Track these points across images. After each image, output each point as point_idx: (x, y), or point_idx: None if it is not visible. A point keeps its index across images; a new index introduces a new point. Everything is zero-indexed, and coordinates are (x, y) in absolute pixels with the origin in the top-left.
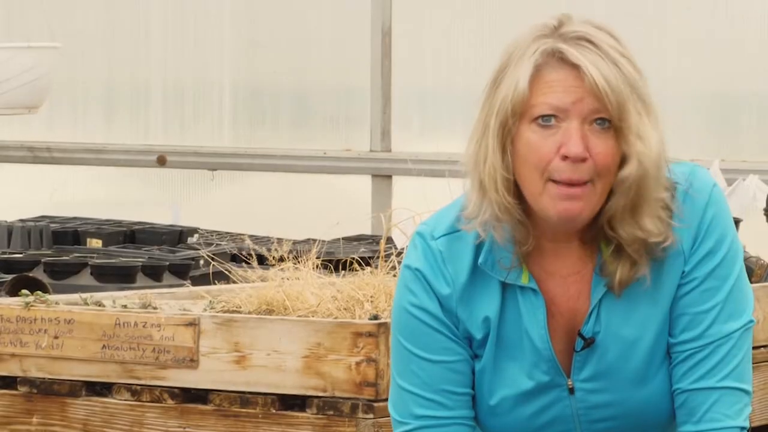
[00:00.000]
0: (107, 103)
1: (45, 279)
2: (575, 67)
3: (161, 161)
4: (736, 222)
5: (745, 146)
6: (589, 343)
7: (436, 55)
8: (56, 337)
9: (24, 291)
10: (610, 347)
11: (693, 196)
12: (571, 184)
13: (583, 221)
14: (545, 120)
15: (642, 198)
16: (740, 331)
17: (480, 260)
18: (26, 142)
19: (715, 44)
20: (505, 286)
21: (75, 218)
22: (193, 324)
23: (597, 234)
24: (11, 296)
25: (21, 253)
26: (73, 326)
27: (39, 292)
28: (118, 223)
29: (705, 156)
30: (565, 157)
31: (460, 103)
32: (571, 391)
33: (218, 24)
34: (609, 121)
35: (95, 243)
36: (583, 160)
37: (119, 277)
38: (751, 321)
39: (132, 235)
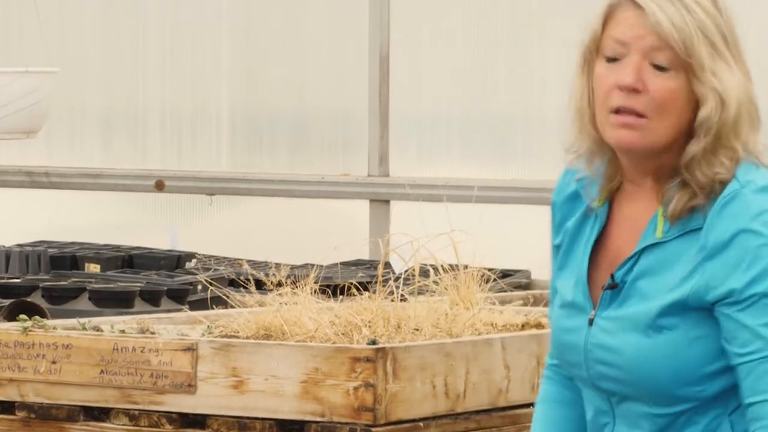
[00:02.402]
0: (105, 128)
1: (43, 304)
2: (641, 8)
3: (159, 186)
4: None
5: None
6: (612, 286)
7: (434, 81)
8: (54, 362)
9: (22, 316)
10: (631, 298)
11: (746, 197)
12: (624, 112)
13: (640, 154)
14: (613, 56)
15: (721, 141)
16: None
17: (577, 183)
18: (24, 167)
19: None
20: (589, 209)
21: (73, 243)
22: (191, 349)
23: (672, 180)
24: (9, 321)
25: (19, 278)
26: (71, 351)
27: (37, 317)
28: (116, 247)
29: None
30: (621, 88)
31: (457, 129)
32: (591, 323)
33: (216, 49)
34: (668, 68)
35: (93, 268)
36: (636, 90)
37: (117, 302)
38: None
39: (130, 259)
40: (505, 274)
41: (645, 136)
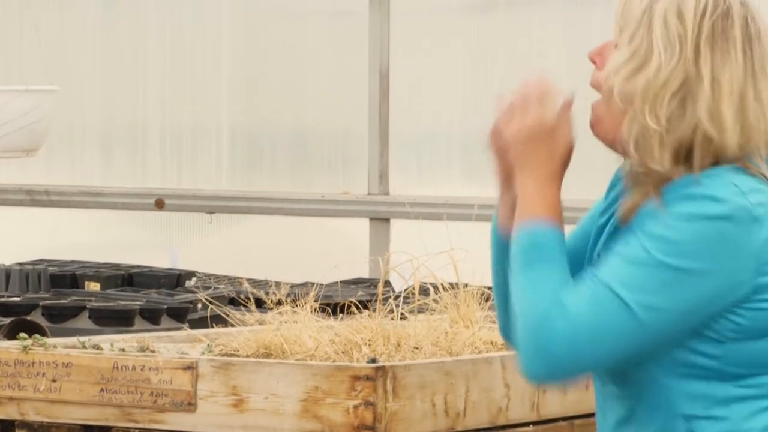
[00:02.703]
0: (105, 147)
1: (43, 322)
2: None
3: (159, 204)
4: None
5: None
6: None
7: (434, 99)
8: (54, 381)
9: (22, 334)
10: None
11: (685, 188)
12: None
13: (600, 137)
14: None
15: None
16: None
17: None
18: (24, 185)
19: None
20: None
21: (73, 261)
22: (191, 367)
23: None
24: (9, 339)
25: (19, 297)
26: (71, 370)
27: (37, 335)
28: (116, 266)
29: None
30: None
31: (458, 147)
32: None
33: (216, 67)
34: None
35: (93, 286)
36: (594, 63)
37: (117, 320)
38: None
39: (130, 278)
40: None
41: (599, 117)
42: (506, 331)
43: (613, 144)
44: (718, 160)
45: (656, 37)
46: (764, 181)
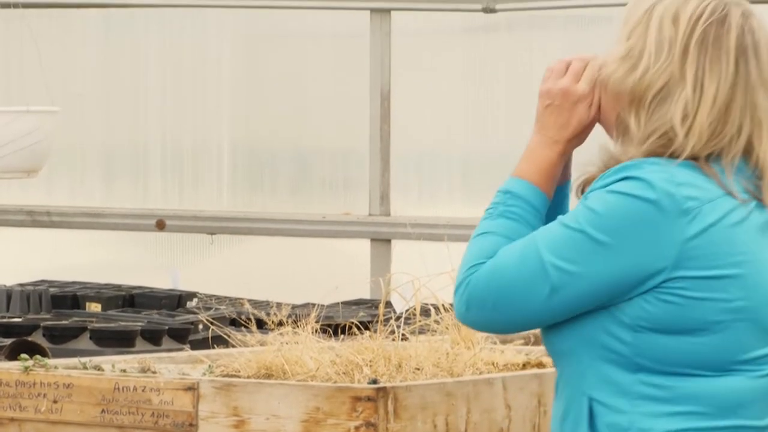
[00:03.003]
0: (106, 168)
1: (44, 343)
2: None
3: (160, 225)
4: None
5: None
6: None
7: (434, 120)
8: (55, 402)
9: (23, 355)
10: None
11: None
12: None
13: (598, 120)
14: None
15: None
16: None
17: None
18: (25, 206)
19: None
20: None
21: (74, 282)
22: (192, 388)
23: None
24: (10, 360)
25: (20, 317)
26: (72, 390)
27: (38, 356)
28: (117, 287)
29: None
30: None
31: (458, 168)
32: None
33: (217, 88)
34: None
35: (94, 307)
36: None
37: (118, 341)
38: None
39: (131, 299)
40: None
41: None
42: None
43: (609, 129)
44: (673, 155)
45: (650, 38)
46: (715, 182)
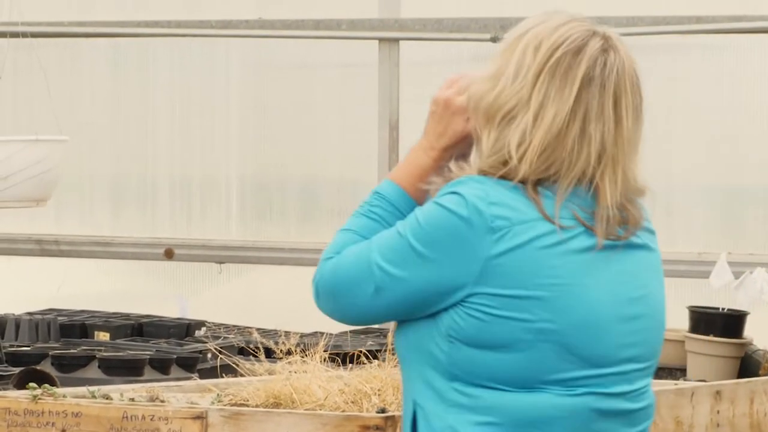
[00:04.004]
0: (115, 196)
1: (53, 372)
2: None
3: (169, 254)
4: (743, 315)
5: (752, 239)
6: None
7: None
8: (64, 431)
9: (32, 384)
10: None
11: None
12: None
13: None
14: None
15: None
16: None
17: None
18: (34, 235)
19: (721, 139)
20: None
21: (83, 311)
22: (200, 417)
23: None
24: (19, 389)
25: (29, 346)
26: (81, 419)
27: (47, 385)
28: (126, 316)
29: (712, 249)
30: None
31: None
32: None
33: (225, 117)
34: None
35: (103, 336)
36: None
37: (127, 370)
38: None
39: (140, 328)
40: None
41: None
42: None
43: (477, 143)
44: (506, 177)
45: (512, 62)
46: (534, 205)
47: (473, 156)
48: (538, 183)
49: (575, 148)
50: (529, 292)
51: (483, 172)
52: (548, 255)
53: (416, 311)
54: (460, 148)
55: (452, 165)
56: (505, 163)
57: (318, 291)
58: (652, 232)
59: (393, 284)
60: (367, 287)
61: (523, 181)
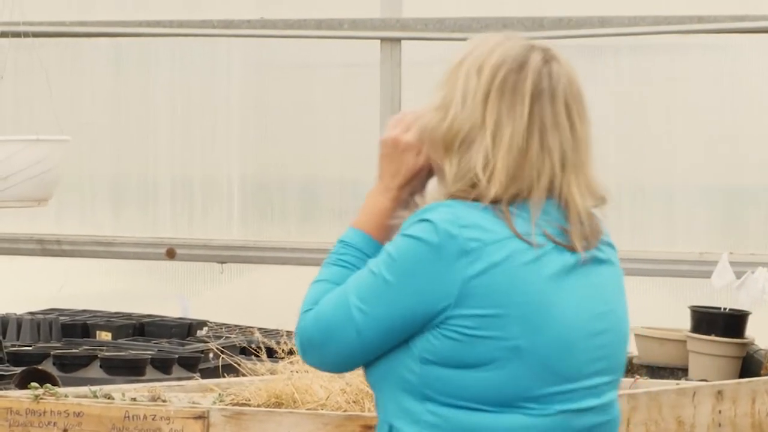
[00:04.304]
0: (116, 196)
1: (54, 372)
2: None
3: (170, 254)
4: (745, 315)
5: (753, 239)
6: None
7: None
8: (65, 430)
9: (33, 384)
10: None
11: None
12: None
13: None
14: None
15: None
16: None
17: None
18: (35, 235)
19: (722, 139)
20: None
21: (84, 311)
22: (202, 417)
23: None
24: (21, 389)
25: (30, 346)
26: (83, 419)
27: (48, 384)
28: (128, 315)
29: (714, 249)
30: None
31: None
32: None
33: (226, 117)
34: None
35: (104, 336)
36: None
37: (128, 369)
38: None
39: (141, 327)
40: None
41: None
42: None
43: (438, 176)
44: (477, 200)
45: (458, 88)
46: (506, 224)
47: (431, 188)
48: (510, 202)
49: (538, 161)
50: (504, 311)
51: (452, 197)
52: (521, 273)
53: (398, 341)
54: (415, 184)
55: (417, 198)
56: (474, 185)
57: (303, 344)
58: (611, 246)
59: (374, 323)
60: (350, 331)
61: (495, 201)
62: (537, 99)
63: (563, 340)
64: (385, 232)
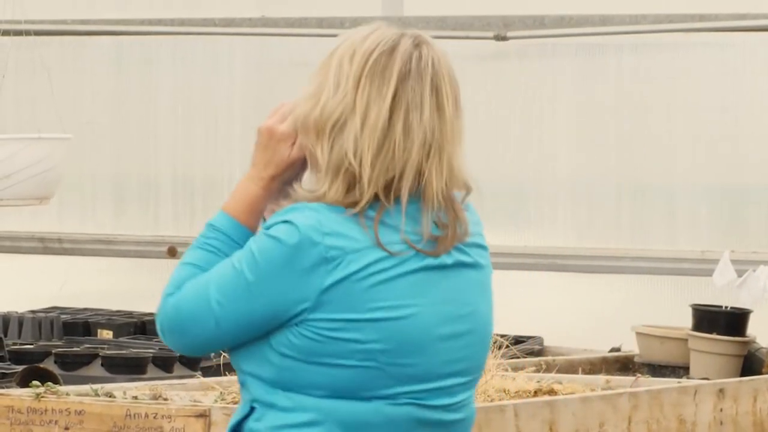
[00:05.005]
0: (117, 194)
1: (56, 370)
2: None
3: (171, 252)
4: (746, 313)
5: (755, 238)
6: None
7: None
8: (67, 428)
9: (35, 382)
10: None
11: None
12: None
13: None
14: None
15: None
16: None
17: None
18: (37, 233)
19: (724, 137)
20: None
21: (85, 309)
22: (203, 415)
23: None
24: (22, 387)
25: (32, 344)
26: (84, 417)
27: (50, 383)
28: (129, 314)
29: (715, 247)
30: None
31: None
32: None
33: (228, 115)
34: None
35: (106, 334)
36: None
37: (130, 368)
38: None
39: (142, 326)
40: (517, 340)
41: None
42: None
43: (313, 166)
44: (361, 192)
45: (330, 75)
46: (367, 233)
47: (305, 179)
48: (384, 197)
49: (403, 141)
50: (360, 316)
51: (336, 186)
52: (380, 281)
53: (258, 335)
54: (288, 174)
55: (296, 186)
56: (347, 171)
57: (163, 329)
58: (483, 247)
59: (233, 317)
60: (208, 322)
61: (374, 190)
62: (403, 80)
63: (416, 343)
64: (254, 217)
